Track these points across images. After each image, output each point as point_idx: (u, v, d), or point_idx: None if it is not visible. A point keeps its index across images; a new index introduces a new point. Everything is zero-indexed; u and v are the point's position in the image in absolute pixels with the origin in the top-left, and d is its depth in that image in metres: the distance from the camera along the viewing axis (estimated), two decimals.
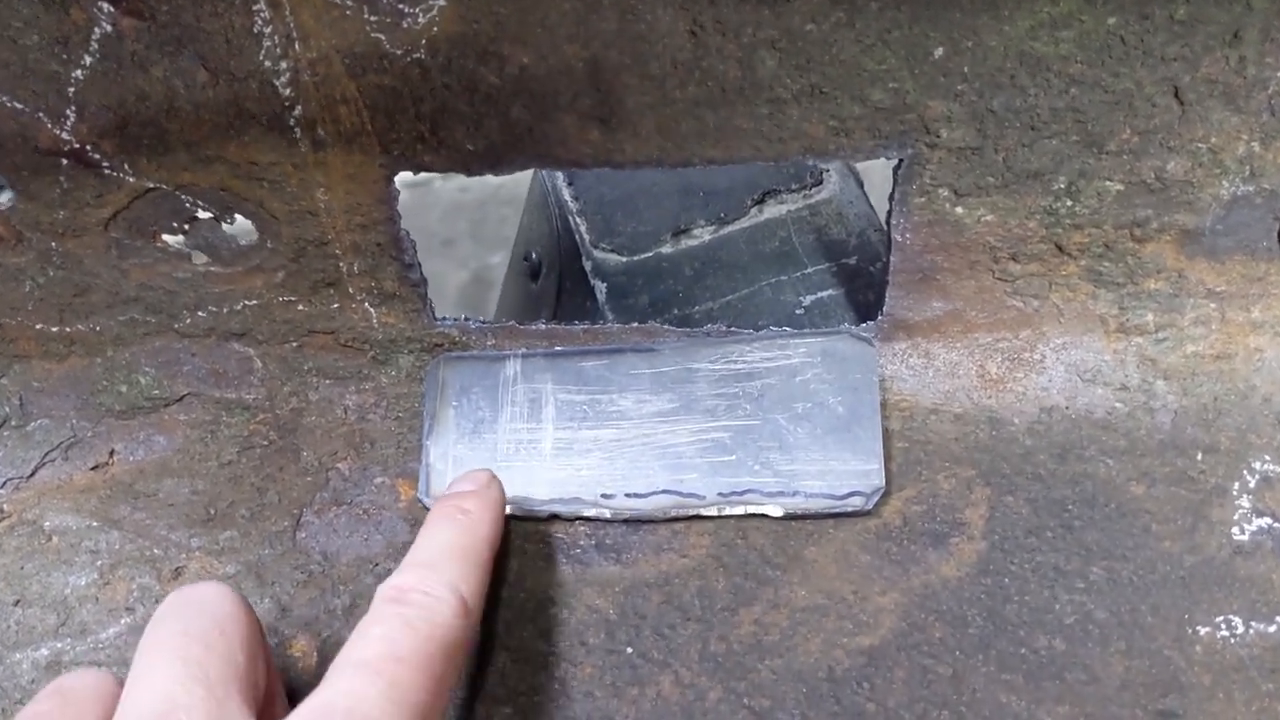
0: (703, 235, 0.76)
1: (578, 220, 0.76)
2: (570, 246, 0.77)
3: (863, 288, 0.73)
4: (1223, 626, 0.57)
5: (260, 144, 0.58)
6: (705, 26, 0.52)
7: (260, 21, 0.53)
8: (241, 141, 0.58)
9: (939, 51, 0.53)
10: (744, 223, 0.76)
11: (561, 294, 0.80)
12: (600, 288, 0.73)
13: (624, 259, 0.75)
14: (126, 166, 0.59)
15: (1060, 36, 0.53)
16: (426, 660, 0.47)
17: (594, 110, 0.56)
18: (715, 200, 0.77)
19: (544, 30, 0.53)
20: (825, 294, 0.73)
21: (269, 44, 0.54)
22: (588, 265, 0.74)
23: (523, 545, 0.61)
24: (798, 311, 0.72)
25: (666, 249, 0.75)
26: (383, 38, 0.53)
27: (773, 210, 0.76)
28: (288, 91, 0.55)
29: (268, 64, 0.54)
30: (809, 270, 0.73)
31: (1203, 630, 0.57)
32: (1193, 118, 0.56)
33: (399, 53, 0.54)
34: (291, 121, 0.57)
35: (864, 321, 0.71)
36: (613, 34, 0.53)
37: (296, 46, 0.54)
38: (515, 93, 0.55)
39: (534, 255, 0.84)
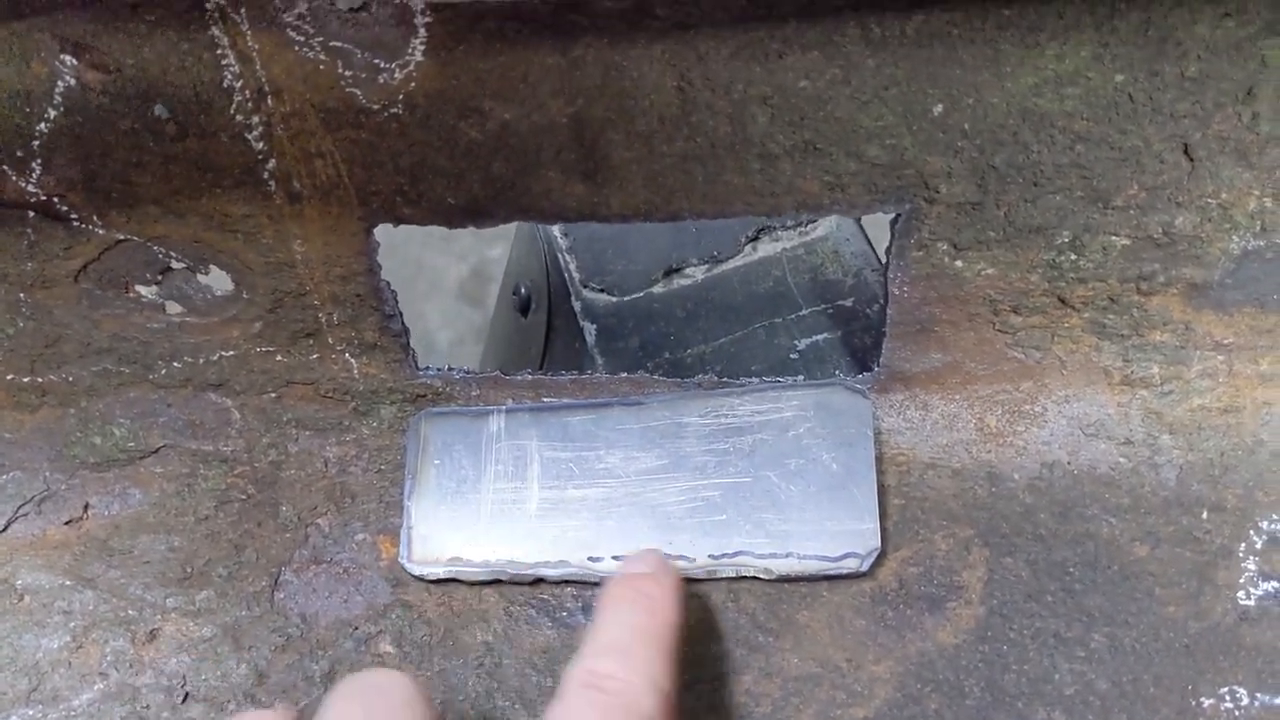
0: (695, 274, 0.74)
1: (567, 258, 0.74)
2: (560, 283, 0.75)
3: (859, 331, 0.71)
4: (1227, 698, 0.56)
5: (233, 197, 0.56)
6: (693, 83, 0.50)
7: (230, 76, 0.51)
8: (214, 194, 0.56)
9: (938, 108, 0.51)
10: (737, 261, 0.74)
11: (551, 332, 0.78)
12: (590, 329, 0.71)
13: (614, 299, 0.73)
14: (96, 218, 0.57)
15: (1065, 94, 0.51)
16: None
17: (578, 165, 0.54)
18: (708, 237, 0.75)
19: (526, 86, 0.51)
20: (820, 338, 0.71)
21: (240, 98, 0.51)
22: (577, 306, 0.72)
23: (507, 606, 0.59)
24: (792, 356, 0.70)
25: (658, 289, 0.73)
26: (358, 93, 0.51)
27: (767, 248, 0.74)
28: (260, 145, 0.53)
29: (239, 118, 0.52)
30: (804, 312, 0.71)
31: (1207, 702, 0.56)
32: (1203, 174, 0.54)
33: (375, 107, 0.52)
34: (265, 175, 0.55)
35: (860, 367, 0.69)
36: (597, 90, 0.51)
37: (269, 101, 0.52)
38: (497, 148, 0.53)
39: (523, 290, 0.82)
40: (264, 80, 0.51)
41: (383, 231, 0.58)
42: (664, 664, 0.49)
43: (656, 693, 0.47)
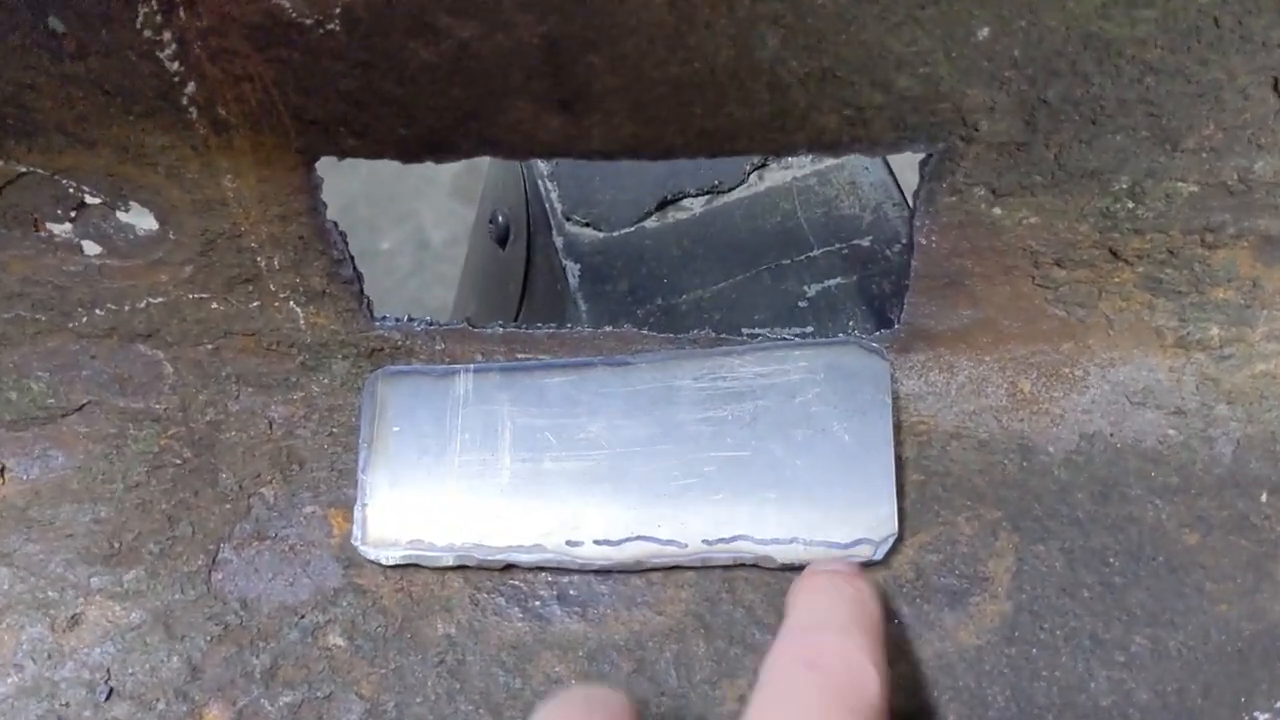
0: (693, 207, 0.65)
1: (548, 185, 0.66)
2: (540, 214, 0.67)
3: (877, 276, 0.63)
4: None
5: (149, 125, 0.48)
6: None
7: None
8: (126, 121, 0.48)
9: (984, 32, 0.43)
10: (741, 193, 0.65)
11: (530, 269, 0.70)
12: (573, 270, 0.63)
13: (600, 235, 0.64)
14: None
15: (1138, 16, 0.42)
16: None
17: (553, 93, 0.45)
18: (708, 165, 0.66)
19: None
20: (833, 283, 0.63)
21: (146, 10, 0.43)
22: (559, 242, 0.64)
23: (473, 594, 0.53)
24: (801, 304, 0.62)
25: (651, 223, 0.65)
26: (286, 4, 0.43)
27: (775, 178, 0.66)
28: (176, 65, 0.45)
29: (147, 33, 0.44)
30: (815, 253, 0.63)
31: (1262, 717, 0.49)
32: None
33: (309, 23, 0.43)
34: (184, 100, 0.46)
35: (877, 318, 0.61)
36: (574, 4, 0.42)
37: (181, 14, 0.43)
38: (454, 72, 0.45)
39: (500, 218, 0.74)
40: None
41: None
42: (880, 652, 0.43)
43: (880, 679, 0.41)
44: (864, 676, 0.41)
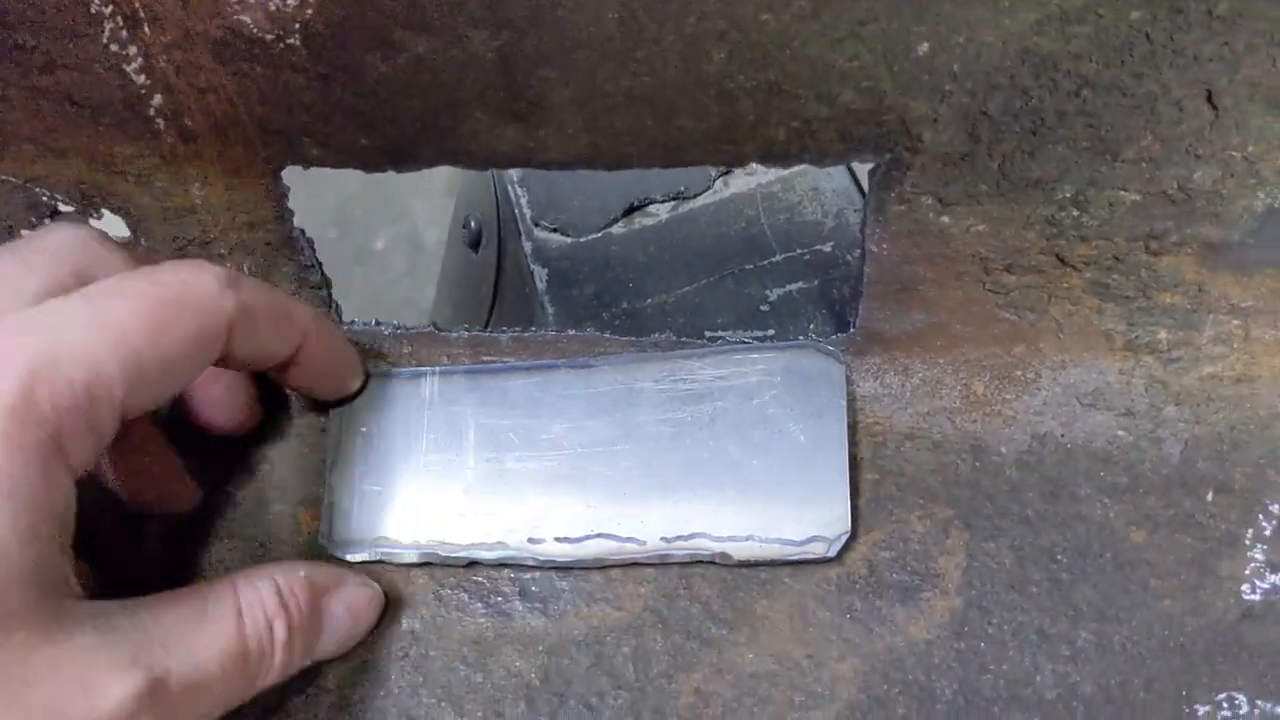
0: (659, 213, 0.67)
1: (518, 190, 0.67)
2: (510, 218, 0.68)
3: (838, 280, 0.64)
4: (1225, 705, 0.51)
5: (118, 135, 0.49)
6: (637, 14, 0.43)
7: (98, 1, 0.43)
8: (95, 132, 0.49)
9: (923, 47, 0.44)
10: (706, 199, 0.67)
11: (500, 273, 0.71)
12: (540, 274, 0.65)
13: (568, 240, 0.66)
14: None
15: (1072, 33, 0.43)
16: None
17: (508, 105, 0.47)
18: (674, 172, 0.67)
19: (442, 14, 0.43)
20: (794, 287, 0.64)
21: (112, 25, 0.44)
22: (527, 246, 0.66)
23: (437, 590, 0.54)
24: (762, 308, 0.63)
25: (617, 229, 0.66)
26: (247, 20, 0.44)
27: (739, 184, 0.67)
28: (142, 79, 0.46)
29: (114, 48, 0.45)
30: (777, 258, 0.64)
31: (1201, 710, 0.50)
32: (1227, 124, 0.47)
33: (269, 38, 0.45)
34: (151, 111, 0.48)
35: (837, 320, 0.63)
36: (526, 20, 0.43)
37: (146, 29, 0.44)
38: (411, 85, 0.46)
39: (473, 223, 0.75)
40: (138, 5, 0.44)
41: None
42: None
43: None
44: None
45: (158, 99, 0.47)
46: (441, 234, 2.23)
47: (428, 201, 2.30)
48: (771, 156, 0.49)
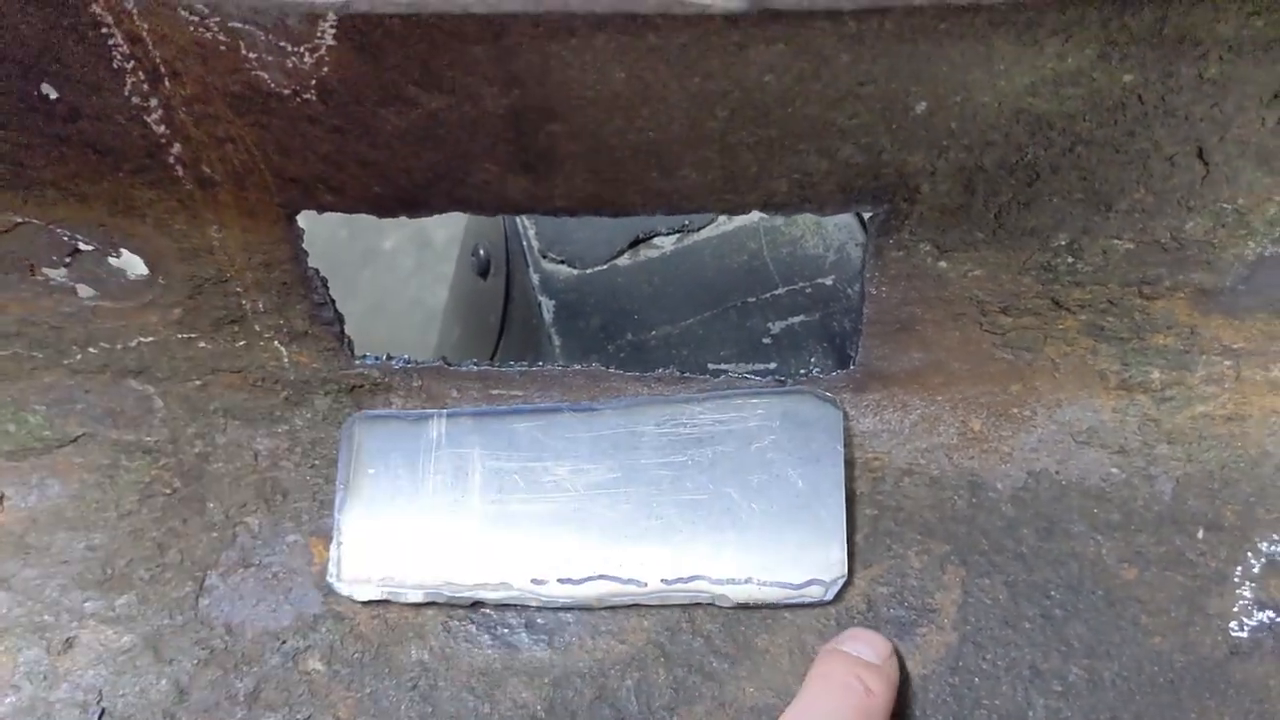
0: (664, 246, 0.68)
1: (526, 223, 0.69)
2: (518, 249, 0.70)
3: (839, 314, 0.65)
4: None
5: (137, 181, 0.50)
6: (643, 75, 0.44)
7: (120, 57, 0.45)
8: (116, 178, 0.50)
9: (921, 106, 0.45)
10: (710, 232, 0.68)
11: (509, 302, 0.72)
12: (547, 305, 0.66)
13: (575, 272, 0.67)
14: None
15: (1066, 94, 0.45)
16: None
17: (518, 157, 0.48)
18: None
19: (454, 74, 0.45)
20: (796, 320, 0.65)
21: (134, 80, 0.46)
22: (534, 278, 0.67)
23: (446, 621, 0.56)
24: (765, 340, 0.64)
25: (623, 261, 0.68)
26: (265, 76, 0.45)
27: (743, 218, 0.68)
28: (162, 129, 0.48)
29: (135, 100, 0.46)
30: (779, 291, 0.66)
31: None
32: (1218, 178, 0.48)
33: (286, 92, 0.46)
34: (170, 159, 0.49)
35: (838, 354, 0.64)
36: (535, 80, 0.45)
37: (166, 83, 0.46)
38: (425, 138, 0.47)
39: (482, 251, 0.76)
40: (159, 61, 0.45)
41: None
42: None
43: None
44: None
45: (177, 148, 0.48)
46: (449, 234, 2.25)
47: None
48: (773, 206, 0.50)
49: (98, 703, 0.54)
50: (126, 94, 0.46)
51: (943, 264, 0.52)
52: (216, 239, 0.53)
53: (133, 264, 0.55)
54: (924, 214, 0.50)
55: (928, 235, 0.51)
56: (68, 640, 0.55)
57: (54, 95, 0.47)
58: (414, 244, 2.29)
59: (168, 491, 0.59)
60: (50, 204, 0.52)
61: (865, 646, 0.52)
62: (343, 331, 0.58)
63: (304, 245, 0.54)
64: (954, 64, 0.43)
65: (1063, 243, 0.51)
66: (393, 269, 2.25)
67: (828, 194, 0.49)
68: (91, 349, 0.58)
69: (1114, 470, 0.57)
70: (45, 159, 0.49)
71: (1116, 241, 0.51)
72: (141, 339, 0.58)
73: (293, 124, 0.47)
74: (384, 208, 0.51)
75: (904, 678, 0.53)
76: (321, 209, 0.52)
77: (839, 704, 0.48)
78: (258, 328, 0.57)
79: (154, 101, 0.47)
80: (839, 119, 0.46)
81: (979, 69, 0.44)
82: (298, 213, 0.52)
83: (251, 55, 0.44)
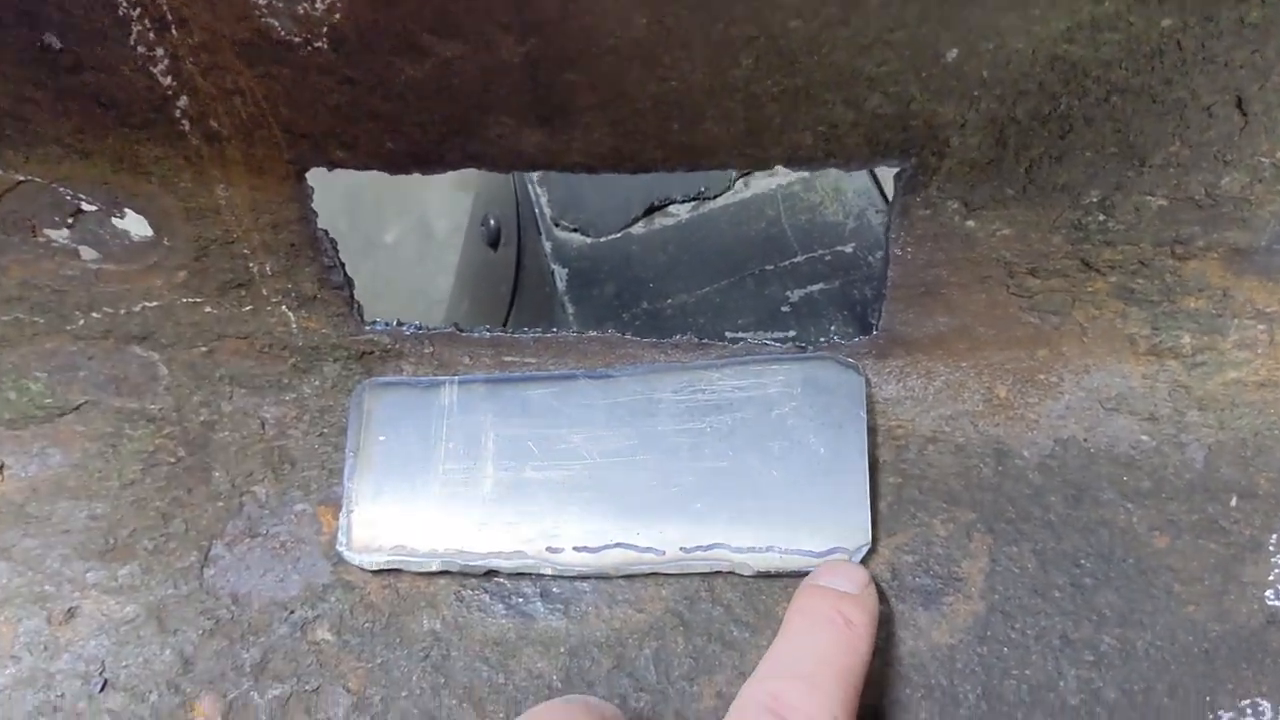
0: (679, 214, 0.66)
1: (538, 190, 0.67)
2: (530, 217, 0.68)
3: (859, 281, 0.64)
4: (1249, 712, 0.50)
5: (143, 136, 0.49)
6: (666, 19, 0.43)
7: (125, 3, 0.43)
8: (121, 133, 0.49)
9: (952, 54, 0.44)
10: (726, 199, 0.67)
11: (520, 271, 0.71)
12: (560, 274, 0.65)
13: (588, 240, 0.65)
14: None
15: (1103, 40, 0.43)
16: None
17: (535, 109, 0.47)
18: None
19: (472, 20, 0.43)
20: (816, 288, 0.64)
21: (140, 28, 0.44)
22: (547, 246, 0.65)
23: (459, 591, 0.54)
24: (783, 308, 0.63)
25: (637, 229, 0.66)
26: (275, 24, 0.44)
27: (760, 184, 0.67)
28: (169, 80, 0.46)
29: (141, 49, 0.45)
30: (798, 259, 0.64)
31: (1226, 716, 0.50)
32: (1257, 130, 0.46)
33: (297, 41, 0.44)
34: (177, 112, 0.48)
35: (858, 322, 0.63)
36: (554, 25, 0.43)
37: (173, 31, 0.44)
38: (439, 89, 0.46)
39: (492, 221, 0.75)
40: (165, 8, 0.44)
41: None
42: (851, 705, 0.45)
43: None
44: None
45: (184, 101, 0.47)
46: (451, 224, 2.23)
47: (438, 192, 2.29)
48: (797, 160, 0.49)
49: (100, 673, 0.53)
50: (132, 43, 0.45)
51: (970, 223, 0.51)
52: (223, 198, 0.51)
53: (137, 225, 0.53)
54: (953, 169, 0.49)
55: (956, 192, 0.50)
56: (69, 610, 0.54)
57: (57, 45, 0.45)
58: (416, 235, 2.27)
59: (172, 460, 0.57)
60: (53, 161, 0.50)
61: (841, 579, 0.51)
62: (352, 296, 0.57)
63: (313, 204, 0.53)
64: (987, 8, 0.42)
65: (1094, 199, 0.50)
66: (394, 260, 2.24)
67: (854, 147, 0.48)
68: (94, 314, 0.57)
69: (1144, 438, 0.56)
70: (49, 113, 0.48)
71: (1149, 198, 0.50)
72: (146, 304, 0.56)
73: (303, 75, 0.46)
74: (396, 164, 0.50)
75: (928, 643, 0.52)
76: (332, 166, 0.50)
77: (820, 638, 0.48)
78: (265, 292, 0.56)
79: (160, 51, 0.45)
80: (867, 67, 0.44)
81: (1013, 13, 0.42)
82: (307, 170, 0.51)
83: (261, 1, 0.43)
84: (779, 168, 0.66)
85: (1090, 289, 0.54)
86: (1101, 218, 0.51)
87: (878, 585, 0.52)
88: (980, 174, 0.49)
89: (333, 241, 0.54)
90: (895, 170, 0.50)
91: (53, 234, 0.54)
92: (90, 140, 0.49)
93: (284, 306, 0.56)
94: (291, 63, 0.45)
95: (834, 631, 0.48)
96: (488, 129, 0.48)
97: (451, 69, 0.45)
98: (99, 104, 0.47)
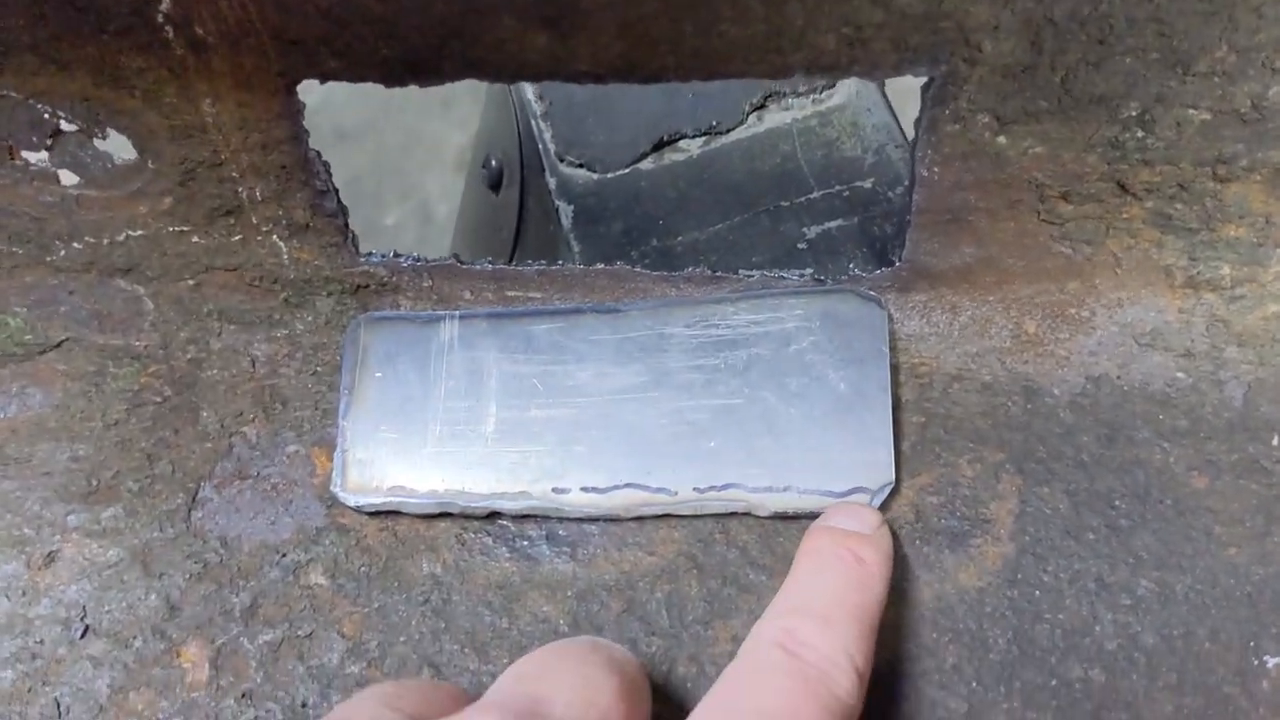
0: (690, 149, 0.64)
1: (542, 125, 0.64)
2: (534, 155, 0.65)
3: (878, 218, 0.61)
4: None
5: (124, 44, 0.46)
6: None
7: None
8: (100, 41, 0.46)
9: None
10: (740, 134, 0.64)
11: (524, 211, 0.68)
12: (566, 211, 0.62)
13: (595, 176, 0.63)
14: None
15: None
16: None
17: (538, 10, 0.44)
18: (706, 104, 0.64)
19: None
20: (833, 225, 0.61)
21: None
22: (552, 182, 0.63)
23: (460, 534, 0.51)
24: (800, 246, 0.60)
25: (646, 165, 0.63)
26: None
27: (775, 119, 0.64)
28: None
29: None
30: (815, 195, 0.61)
31: (1271, 662, 0.48)
32: None
33: None
34: (160, 18, 0.45)
35: (878, 260, 0.60)
36: None
37: None
38: None
39: (494, 162, 0.72)
40: None
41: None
42: (866, 644, 0.44)
43: (854, 671, 0.42)
44: (837, 671, 0.41)
45: (166, 4, 0.44)
46: (451, 208, 2.21)
47: (438, 176, 2.27)
48: (819, 67, 0.46)
49: (81, 619, 0.50)
50: None
51: (1001, 139, 0.48)
52: (210, 114, 0.49)
53: (120, 147, 0.51)
54: (984, 78, 0.46)
55: (987, 104, 0.47)
56: (49, 554, 0.51)
57: None
58: (416, 219, 2.25)
59: (158, 400, 0.55)
60: (29, 73, 0.48)
61: (851, 519, 0.49)
62: (346, 225, 0.54)
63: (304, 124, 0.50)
64: None
65: (1133, 113, 0.47)
66: (395, 244, 2.22)
67: (880, 52, 0.45)
68: (76, 244, 0.54)
69: (1180, 375, 0.53)
70: (24, 17, 0.45)
71: (1192, 111, 0.47)
72: (130, 232, 0.53)
73: None
74: (392, 74, 0.47)
75: (955, 586, 0.49)
76: (324, 78, 0.47)
77: (832, 576, 0.46)
78: (255, 219, 0.53)
79: None
80: None
81: None
82: (298, 82, 0.48)
83: None
84: (792, 100, 0.64)
85: (1125, 216, 0.51)
86: (1140, 134, 0.48)
87: (893, 531, 0.50)
88: (1014, 83, 0.46)
89: (325, 165, 0.51)
90: (922, 82, 0.47)
91: (31, 156, 0.51)
92: (67, 48, 0.46)
93: (275, 236, 0.53)
94: None
95: (845, 570, 0.46)
96: (489, 33, 0.45)
97: None
98: (75, 7, 0.45)
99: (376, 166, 2.17)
